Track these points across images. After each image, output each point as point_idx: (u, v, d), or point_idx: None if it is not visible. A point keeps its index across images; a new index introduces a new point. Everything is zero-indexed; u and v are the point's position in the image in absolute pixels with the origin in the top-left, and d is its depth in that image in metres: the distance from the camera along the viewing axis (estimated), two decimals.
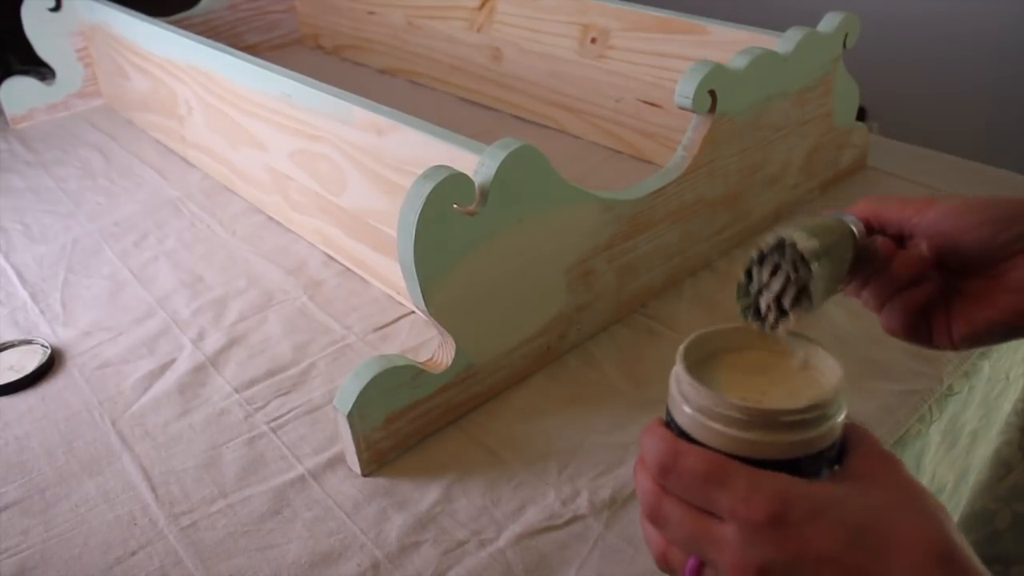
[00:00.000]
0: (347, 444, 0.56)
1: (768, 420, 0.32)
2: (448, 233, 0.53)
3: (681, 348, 0.36)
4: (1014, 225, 0.37)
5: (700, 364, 0.37)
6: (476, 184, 0.54)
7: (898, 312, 0.40)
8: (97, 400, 0.65)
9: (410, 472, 0.57)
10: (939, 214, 0.38)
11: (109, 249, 0.86)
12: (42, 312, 0.77)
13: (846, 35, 0.78)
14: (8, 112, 1.18)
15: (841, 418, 0.34)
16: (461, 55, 1.13)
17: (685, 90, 0.66)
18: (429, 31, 1.17)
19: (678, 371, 0.35)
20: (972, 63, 1.63)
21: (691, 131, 0.69)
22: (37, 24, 1.15)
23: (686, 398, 0.34)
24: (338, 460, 0.58)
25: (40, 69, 1.22)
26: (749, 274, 0.41)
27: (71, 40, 1.19)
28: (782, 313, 0.39)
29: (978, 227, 0.38)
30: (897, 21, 1.68)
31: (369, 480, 0.56)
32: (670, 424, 0.36)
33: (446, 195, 0.52)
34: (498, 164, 0.54)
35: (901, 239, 0.40)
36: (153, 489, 0.57)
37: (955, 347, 0.40)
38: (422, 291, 0.53)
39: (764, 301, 0.40)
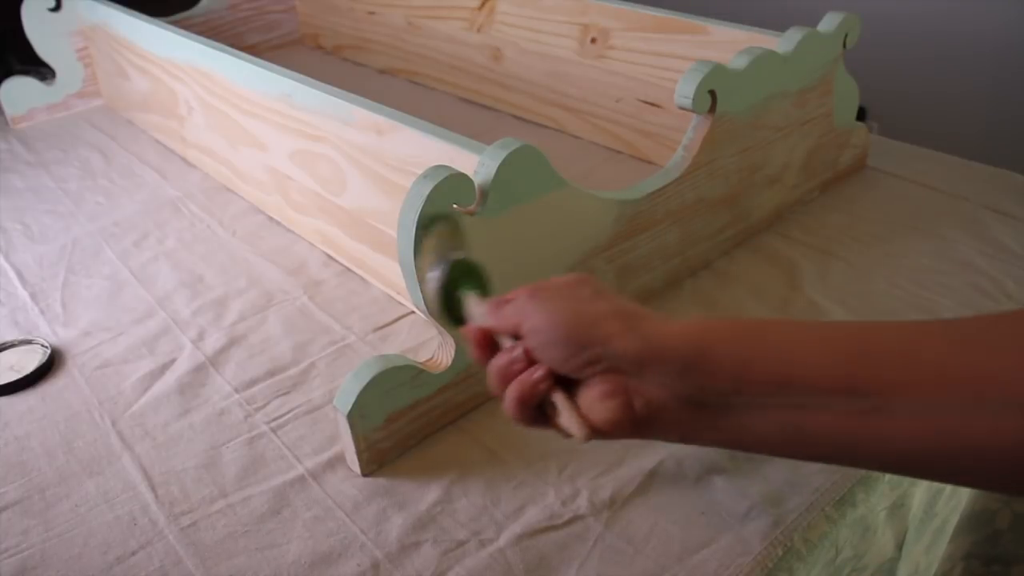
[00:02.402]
0: (347, 444, 0.56)
1: None
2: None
3: None
4: (585, 350, 0.39)
5: None
6: (476, 184, 0.54)
7: (512, 394, 0.42)
8: (97, 400, 0.65)
9: (410, 472, 0.57)
10: (530, 327, 0.41)
11: (109, 249, 0.86)
12: (42, 312, 0.77)
13: (846, 35, 0.78)
14: (8, 112, 1.18)
15: None
16: (461, 55, 1.13)
17: (685, 90, 0.66)
18: (429, 31, 1.17)
19: None
20: (972, 63, 1.63)
21: (691, 131, 0.69)
22: (37, 24, 1.15)
23: None
24: (338, 460, 0.58)
25: (40, 69, 1.22)
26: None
27: (71, 40, 1.19)
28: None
29: (554, 346, 0.40)
30: (897, 21, 1.68)
31: (369, 480, 0.56)
32: None
33: (446, 195, 0.52)
34: (498, 164, 0.54)
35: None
36: (153, 489, 0.57)
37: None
38: (422, 291, 0.53)
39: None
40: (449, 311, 0.50)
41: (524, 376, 0.41)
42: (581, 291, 0.42)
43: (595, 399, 0.40)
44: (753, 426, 0.37)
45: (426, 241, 0.50)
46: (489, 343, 0.44)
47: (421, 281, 0.50)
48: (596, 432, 0.40)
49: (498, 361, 0.43)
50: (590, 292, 0.42)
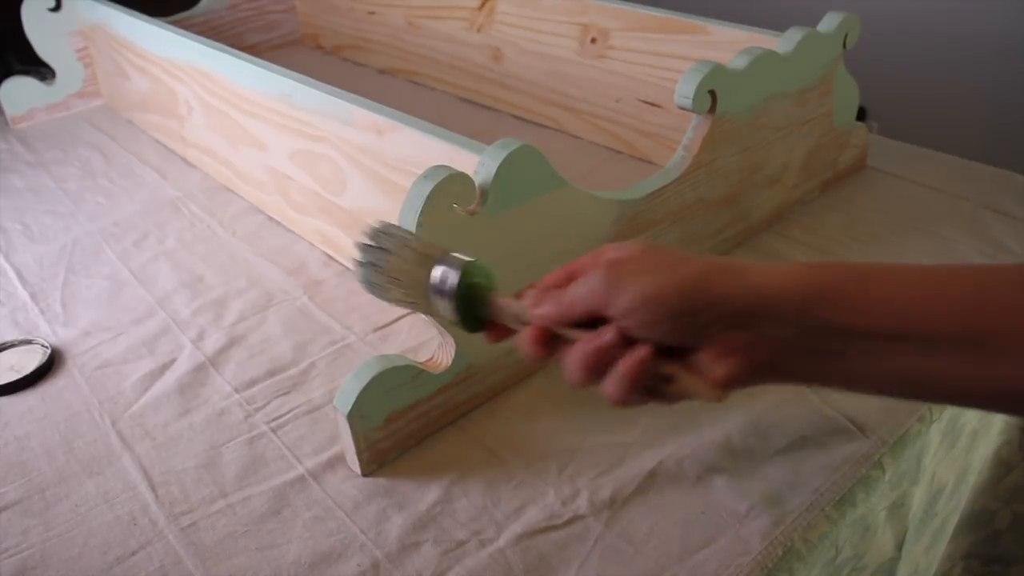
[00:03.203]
0: (347, 444, 0.56)
1: None
2: (448, 233, 0.53)
3: None
4: (697, 316, 0.38)
5: None
6: (476, 184, 0.54)
7: (619, 381, 0.40)
8: (97, 400, 0.65)
9: (410, 472, 0.57)
10: (624, 307, 0.38)
11: (109, 249, 0.86)
12: (42, 312, 0.77)
13: (846, 35, 0.78)
14: (8, 112, 1.18)
15: None
16: (461, 55, 1.13)
17: (685, 90, 0.66)
18: (429, 31, 1.17)
19: None
20: (972, 63, 1.63)
21: (691, 131, 0.69)
22: (37, 24, 1.15)
23: None
24: (338, 460, 0.58)
25: (40, 69, 1.21)
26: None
27: (71, 40, 1.19)
28: None
29: (662, 321, 0.38)
30: (897, 21, 1.68)
31: (369, 480, 0.56)
32: None
33: (446, 195, 0.52)
34: (498, 164, 0.54)
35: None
36: (153, 489, 0.57)
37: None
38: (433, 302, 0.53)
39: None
40: (465, 315, 0.46)
41: (630, 359, 0.38)
42: (662, 257, 0.39)
43: (714, 360, 0.38)
44: (868, 372, 0.37)
45: (409, 250, 0.47)
46: (548, 338, 0.42)
47: (427, 290, 0.46)
48: (723, 391, 0.39)
49: (584, 352, 0.39)
50: (671, 256, 0.39)
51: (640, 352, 0.38)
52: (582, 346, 0.40)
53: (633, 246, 0.41)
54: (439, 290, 0.45)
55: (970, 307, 0.34)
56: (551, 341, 0.42)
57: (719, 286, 0.37)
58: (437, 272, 0.45)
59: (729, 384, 0.38)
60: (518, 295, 0.45)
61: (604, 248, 0.42)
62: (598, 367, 0.40)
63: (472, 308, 0.45)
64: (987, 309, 0.34)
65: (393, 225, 0.48)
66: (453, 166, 0.52)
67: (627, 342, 0.39)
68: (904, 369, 0.36)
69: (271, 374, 0.67)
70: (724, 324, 0.38)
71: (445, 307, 0.45)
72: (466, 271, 0.45)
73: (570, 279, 0.42)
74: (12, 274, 0.83)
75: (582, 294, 0.40)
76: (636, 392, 0.40)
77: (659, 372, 0.39)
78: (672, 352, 0.39)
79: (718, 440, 0.56)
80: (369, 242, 0.46)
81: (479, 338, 0.56)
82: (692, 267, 0.38)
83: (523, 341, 0.43)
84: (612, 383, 0.40)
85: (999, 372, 0.34)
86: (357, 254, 0.46)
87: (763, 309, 0.37)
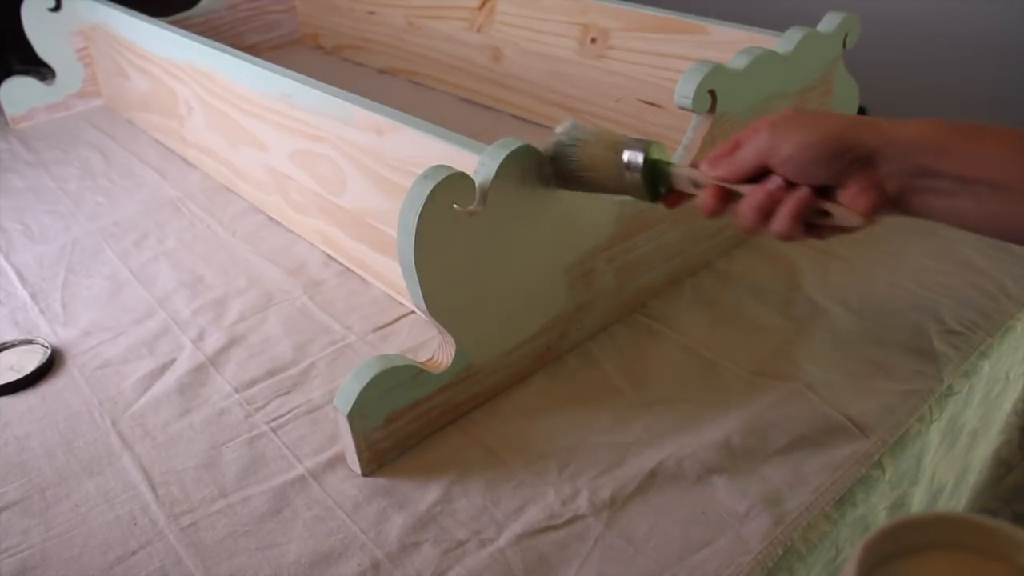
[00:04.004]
0: (347, 444, 0.56)
1: None
2: (448, 233, 0.53)
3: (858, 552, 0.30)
4: (845, 157, 0.46)
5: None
6: (476, 184, 0.54)
7: (786, 218, 0.48)
8: (97, 400, 0.65)
9: (410, 472, 0.57)
10: (785, 156, 0.47)
11: (109, 249, 0.86)
12: (42, 312, 0.77)
13: (846, 35, 0.78)
14: (8, 112, 1.18)
15: None
16: (461, 55, 1.13)
17: (685, 90, 0.66)
18: (429, 31, 1.17)
19: None
20: (972, 64, 1.63)
21: (691, 131, 0.69)
22: (37, 24, 1.15)
23: None
24: (338, 460, 0.58)
25: (40, 69, 1.22)
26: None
27: (71, 40, 1.19)
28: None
29: (817, 163, 0.47)
30: (897, 21, 1.68)
31: (369, 480, 0.56)
32: None
33: (446, 195, 0.52)
34: (498, 164, 0.54)
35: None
36: (153, 489, 0.57)
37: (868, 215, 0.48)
38: (422, 291, 0.53)
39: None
40: (650, 186, 0.54)
41: (794, 198, 0.47)
42: (811, 115, 0.48)
43: (857, 193, 0.46)
44: (973, 211, 0.45)
45: (597, 138, 0.55)
46: (725, 194, 0.50)
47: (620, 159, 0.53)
48: (868, 218, 0.47)
49: (755, 199, 0.48)
50: (818, 114, 0.48)
51: (801, 192, 0.47)
52: (754, 192, 0.48)
53: (786, 108, 0.49)
54: (629, 168, 0.53)
55: None
56: (727, 196, 0.50)
57: (858, 133, 0.46)
58: (626, 155, 0.53)
59: (871, 212, 0.47)
60: (692, 165, 0.53)
61: (761, 119, 0.50)
62: (768, 209, 0.48)
63: (655, 180, 0.54)
64: None
65: (576, 123, 0.56)
66: (453, 166, 0.52)
67: (789, 186, 0.48)
68: (1002, 211, 0.44)
69: (271, 374, 0.67)
70: (862, 163, 0.46)
71: (634, 181, 0.53)
72: (649, 150, 0.53)
73: (734, 148, 0.51)
74: (12, 274, 0.83)
75: (751, 151, 0.49)
76: (800, 227, 0.48)
77: (817, 207, 0.48)
78: (825, 192, 0.48)
79: (718, 440, 0.56)
80: (561, 137, 0.55)
81: (479, 338, 0.57)
82: (836, 121, 0.46)
83: (703, 199, 0.51)
84: (780, 220, 0.48)
85: None
86: (552, 145, 0.55)
87: (892, 151, 0.45)
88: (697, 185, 0.52)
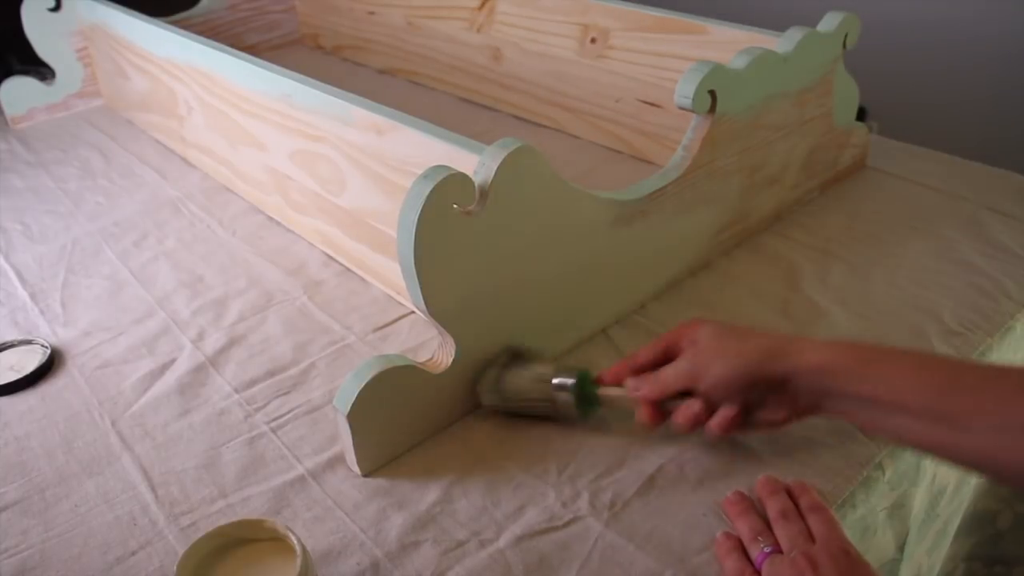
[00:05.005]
0: (347, 444, 0.56)
1: None
2: (448, 233, 0.53)
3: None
4: (758, 386, 0.52)
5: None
6: (476, 184, 0.54)
7: (715, 431, 0.54)
8: (97, 400, 0.65)
9: (410, 472, 0.57)
10: (708, 386, 0.53)
11: (109, 249, 0.86)
12: (42, 312, 0.77)
13: (846, 35, 0.78)
14: (8, 112, 1.18)
15: None
16: (461, 55, 1.13)
17: (685, 90, 0.66)
18: (429, 31, 1.17)
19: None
20: (972, 63, 1.63)
21: (691, 131, 0.69)
22: (37, 24, 1.15)
23: None
24: (338, 460, 0.58)
25: (40, 69, 1.21)
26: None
27: (71, 40, 1.19)
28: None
29: (737, 392, 0.52)
30: (897, 21, 1.68)
31: (369, 480, 0.56)
32: None
33: (446, 195, 0.52)
34: (498, 164, 0.54)
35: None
36: (153, 489, 0.57)
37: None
38: (422, 291, 0.53)
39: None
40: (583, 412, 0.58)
41: (721, 416, 0.53)
42: (727, 345, 0.53)
43: (772, 412, 0.53)
44: (874, 426, 0.50)
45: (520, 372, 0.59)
46: (657, 409, 0.55)
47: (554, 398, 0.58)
48: (784, 427, 0.54)
49: (685, 418, 0.54)
50: (731, 341, 0.53)
51: (729, 412, 0.53)
52: (684, 413, 0.54)
53: (708, 334, 0.54)
54: (560, 390, 0.57)
55: (938, 394, 0.46)
56: (660, 411, 0.55)
57: (770, 366, 0.51)
58: (556, 381, 0.57)
59: (786, 424, 0.53)
60: (614, 368, 0.58)
61: (683, 329, 0.56)
62: (696, 423, 0.53)
63: (587, 402, 0.58)
64: (956, 391, 0.45)
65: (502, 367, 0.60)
66: (453, 166, 0.52)
67: (712, 404, 0.53)
68: (898, 428, 0.47)
69: (271, 374, 0.66)
70: (776, 389, 0.52)
71: (567, 405, 0.58)
72: (579, 380, 0.57)
73: (656, 355, 0.56)
74: (12, 274, 0.83)
75: (676, 380, 0.54)
76: (728, 434, 0.54)
77: (744, 419, 0.54)
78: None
79: (719, 442, 0.56)
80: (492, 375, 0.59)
81: (478, 338, 0.57)
82: (752, 355, 0.52)
83: (640, 417, 0.55)
84: (710, 432, 0.53)
85: (965, 442, 0.44)
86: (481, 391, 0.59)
87: (801, 379, 0.50)
88: (628, 405, 0.57)
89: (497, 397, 0.59)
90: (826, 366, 0.50)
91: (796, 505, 0.50)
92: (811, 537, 0.48)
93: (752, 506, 0.51)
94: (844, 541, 0.47)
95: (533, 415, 0.59)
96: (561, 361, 0.62)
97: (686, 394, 0.54)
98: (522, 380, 0.58)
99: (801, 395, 0.51)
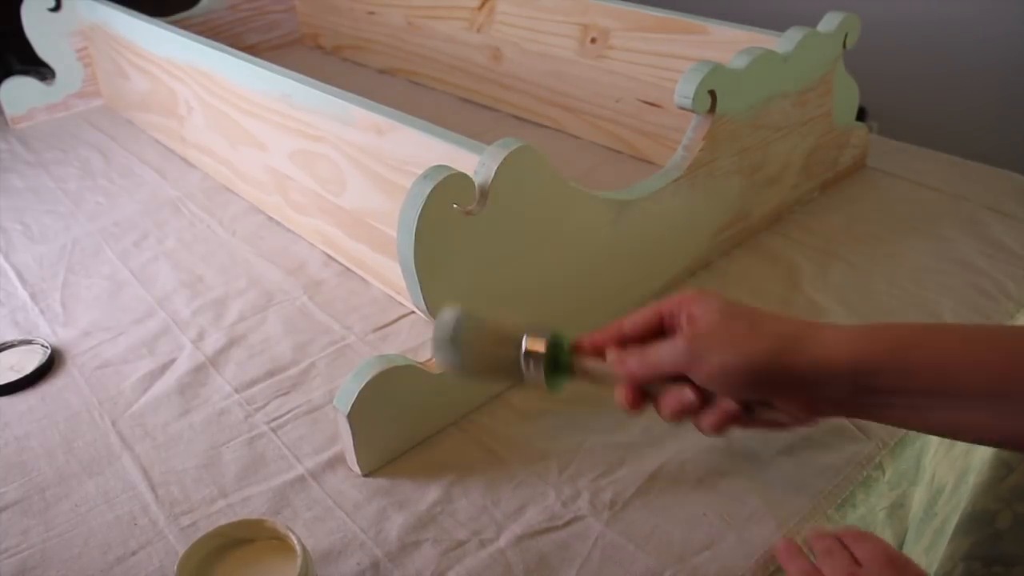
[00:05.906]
0: (347, 444, 0.56)
1: None
2: (448, 233, 0.53)
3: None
4: (766, 385, 0.44)
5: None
6: (476, 184, 0.54)
7: (710, 427, 0.47)
8: (97, 400, 0.65)
9: (410, 472, 0.57)
10: (708, 374, 0.44)
11: (109, 249, 0.86)
12: (42, 312, 0.77)
13: (846, 35, 0.78)
14: (8, 112, 1.18)
15: None
16: (461, 55, 1.13)
17: (685, 90, 0.66)
18: (429, 31, 1.17)
19: None
20: (973, 63, 1.63)
21: (691, 131, 0.69)
22: (37, 24, 1.15)
23: None
24: (338, 460, 0.58)
25: (40, 69, 1.21)
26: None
27: (71, 40, 1.19)
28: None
29: (740, 388, 0.44)
30: (897, 21, 1.68)
31: (369, 480, 0.56)
32: None
33: (446, 195, 0.52)
34: (498, 164, 0.54)
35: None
36: (153, 489, 0.57)
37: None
38: (422, 291, 0.53)
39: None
40: (553, 382, 0.50)
41: (719, 411, 0.46)
42: (737, 327, 0.44)
43: (781, 409, 0.46)
44: (913, 419, 0.43)
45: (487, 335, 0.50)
46: (641, 391, 0.47)
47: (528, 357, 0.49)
48: (799, 425, 0.47)
49: (672, 407, 0.46)
50: (744, 327, 0.44)
51: (728, 408, 0.46)
52: (672, 401, 0.46)
53: (711, 310, 0.46)
54: (527, 364, 0.49)
55: (1000, 371, 0.39)
56: (643, 393, 0.48)
57: (785, 362, 0.43)
58: (525, 344, 0.49)
59: (801, 424, 0.47)
60: (596, 335, 0.49)
61: (683, 300, 0.47)
62: (683, 414, 0.46)
63: (558, 371, 0.50)
64: (1013, 372, 0.39)
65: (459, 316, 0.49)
66: (453, 166, 0.52)
67: (708, 396, 0.46)
68: (942, 418, 0.41)
69: (271, 374, 0.66)
70: (792, 389, 0.44)
71: (535, 373, 0.49)
72: (551, 346, 0.49)
73: (647, 326, 0.48)
74: (12, 274, 0.83)
75: (667, 361, 0.45)
76: (725, 431, 0.47)
77: (746, 417, 0.47)
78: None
79: (719, 442, 0.56)
80: (446, 335, 0.49)
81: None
82: (763, 343, 0.43)
83: (620, 398, 0.48)
84: (703, 426, 0.47)
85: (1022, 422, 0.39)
86: (436, 347, 0.49)
87: (821, 379, 0.42)
88: (608, 381, 0.49)
89: (453, 352, 0.49)
90: (860, 362, 0.42)
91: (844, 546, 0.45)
92: (857, 562, 0.43)
93: (801, 551, 0.46)
94: (888, 550, 0.43)
95: (494, 379, 0.53)
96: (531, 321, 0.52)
97: (676, 377, 0.46)
98: (483, 337, 0.50)
99: (823, 397, 0.43)
